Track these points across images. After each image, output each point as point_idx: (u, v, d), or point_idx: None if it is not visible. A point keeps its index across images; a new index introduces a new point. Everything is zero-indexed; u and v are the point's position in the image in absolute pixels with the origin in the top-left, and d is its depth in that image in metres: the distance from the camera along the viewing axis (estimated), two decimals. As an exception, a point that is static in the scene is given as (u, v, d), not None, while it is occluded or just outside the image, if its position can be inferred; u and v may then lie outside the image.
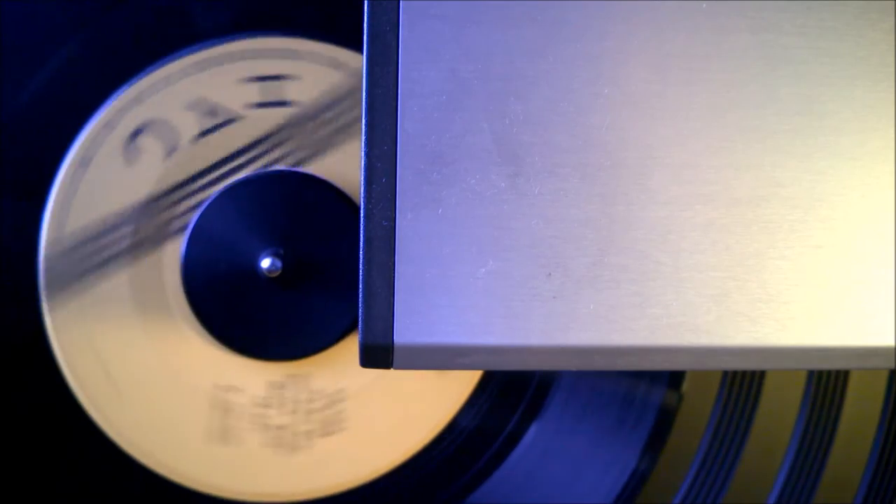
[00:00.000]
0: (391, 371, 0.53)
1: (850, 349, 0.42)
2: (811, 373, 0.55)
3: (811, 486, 0.55)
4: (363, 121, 0.40)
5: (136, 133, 0.51)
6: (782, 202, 0.41)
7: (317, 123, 0.51)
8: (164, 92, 0.51)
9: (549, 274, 0.40)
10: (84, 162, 0.51)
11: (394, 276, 0.40)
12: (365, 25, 0.40)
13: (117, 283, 0.52)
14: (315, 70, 0.51)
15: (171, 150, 0.51)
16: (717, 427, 0.55)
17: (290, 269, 0.51)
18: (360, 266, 0.40)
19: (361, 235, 0.40)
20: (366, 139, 0.40)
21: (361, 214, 0.40)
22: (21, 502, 0.53)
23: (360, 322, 0.40)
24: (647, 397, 0.56)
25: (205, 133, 0.51)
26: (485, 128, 0.40)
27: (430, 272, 0.40)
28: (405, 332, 0.40)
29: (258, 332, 0.52)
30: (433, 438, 0.55)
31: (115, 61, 0.51)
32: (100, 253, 0.51)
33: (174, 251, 0.52)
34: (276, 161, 0.52)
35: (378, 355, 0.40)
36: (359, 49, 0.51)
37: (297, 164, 0.51)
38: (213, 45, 0.51)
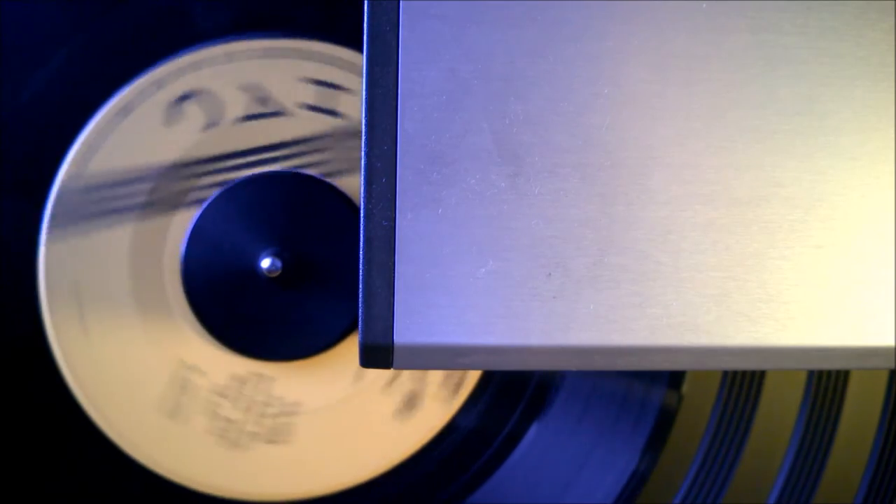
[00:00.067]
0: (353, 401, 0.53)
1: (850, 349, 0.42)
2: (811, 373, 0.55)
3: (811, 486, 0.55)
4: (363, 121, 0.40)
5: (184, 97, 0.51)
6: (782, 202, 0.41)
7: (359, 142, 0.51)
8: (223, 66, 0.51)
9: (549, 274, 0.40)
10: (125, 111, 0.51)
11: (394, 276, 0.40)
12: (365, 25, 0.40)
13: (119, 236, 0.51)
14: None
15: (211, 124, 0.51)
16: (717, 427, 0.55)
17: (290, 269, 0.51)
18: (360, 266, 0.40)
19: (361, 235, 0.40)
20: (366, 139, 0.40)
21: (361, 214, 0.40)
22: (20, 502, 0.53)
23: (360, 322, 0.40)
24: (647, 397, 0.56)
25: (249, 117, 0.51)
26: (485, 128, 0.40)
27: (430, 272, 0.40)
28: (405, 332, 0.40)
29: (258, 332, 0.52)
30: (433, 438, 0.55)
31: (115, 61, 0.51)
32: (112, 201, 0.51)
33: (182, 222, 0.51)
34: (308, 166, 0.52)
35: (378, 355, 0.40)
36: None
37: (328, 175, 0.52)
38: (288, 38, 0.51)
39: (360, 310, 0.40)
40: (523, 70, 0.40)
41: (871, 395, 0.55)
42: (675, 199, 0.41)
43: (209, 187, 0.51)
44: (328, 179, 0.52)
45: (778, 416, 0.55)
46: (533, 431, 0.56)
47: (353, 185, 0.52)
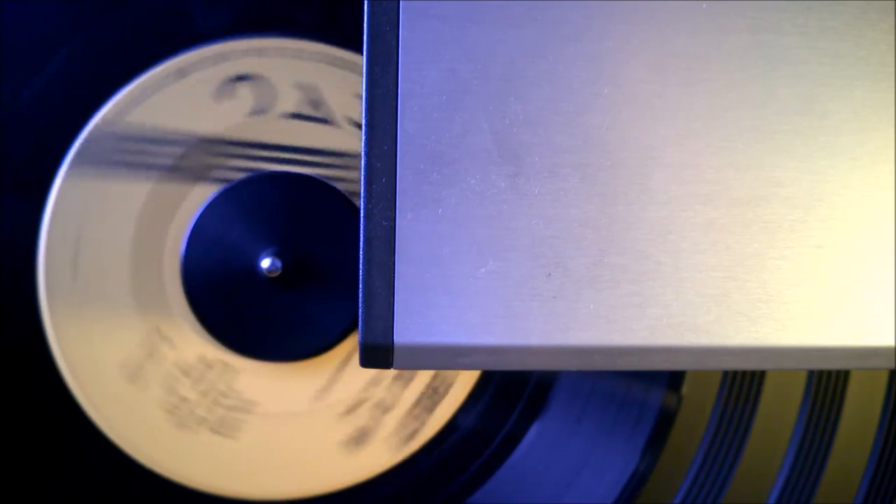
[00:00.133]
0: (307, 418, 0.53)
1: (850, 349, 0.42)
2: (811, 373, 0.55)
3: (811, 486, 0.55)
4: (363, 121, 0.40)
5: (241, 78, 0.51)
6: (782, 202, 0.41)
7: None
8: (288, 61, 0.51)
9: (549, 274, 0.40)
10: (181, 73, 0.51)
11: (394, 276, 0.40)
12: (365, 25, 0.40)
13: (135, 191, 0.51)
14: None
15: (259, 111, 0.51)
16: (717, 427, 0.55)
17: (290, 269, 0.51)
18: (360, 266, 0.40)
19: (361, 235, 0.40)
20: (366, 139, 0.40)
21: (361, 214, 0.40)
22: (19, 501, 0.53)
23: (360, 322, 0.40)
24: (647, 398, 0.56)
25: (297, 116, 0.52)
26: (485, 128, 0.40)
27: (430, 272, 0.40)
28: (405, 332, 0.40)
29: (258, 332, 0.52)
30: (432, 438, 0.55)
31: (115, 61, 0.51)
32: (139, 155, 0.51)
33: (200, 195, 0.52)
34: (337, 180, 0.52)
35: (378, 355, 0.40)
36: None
37: (353, 194, 0.52)
38: (355, 49, 0.52)
39: (360, 310, 0.40)
40: (523, 70, 0.40)
41: (871, 395, 0.55)
42: (675, 199, 0.41)
43: (236, 170, 0.52)
44: (353, 199, 0.52)
45: (778, 416, 0.55)
46: (533, 432, 0.56)
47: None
